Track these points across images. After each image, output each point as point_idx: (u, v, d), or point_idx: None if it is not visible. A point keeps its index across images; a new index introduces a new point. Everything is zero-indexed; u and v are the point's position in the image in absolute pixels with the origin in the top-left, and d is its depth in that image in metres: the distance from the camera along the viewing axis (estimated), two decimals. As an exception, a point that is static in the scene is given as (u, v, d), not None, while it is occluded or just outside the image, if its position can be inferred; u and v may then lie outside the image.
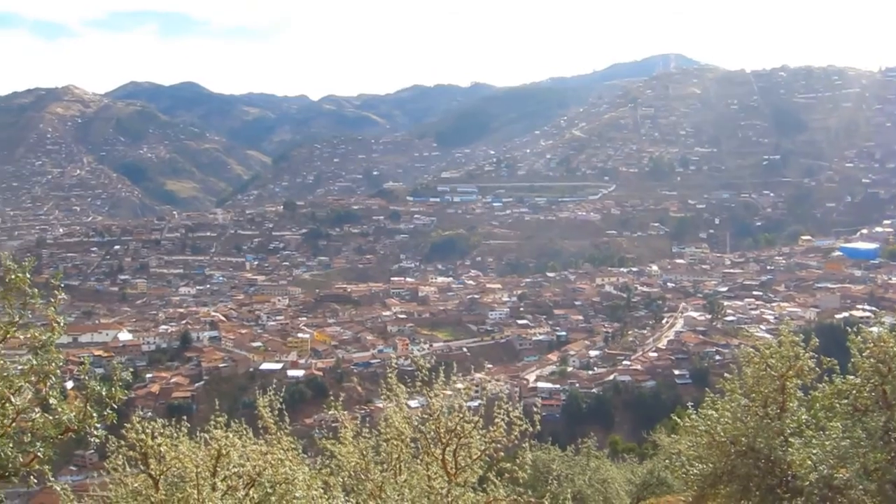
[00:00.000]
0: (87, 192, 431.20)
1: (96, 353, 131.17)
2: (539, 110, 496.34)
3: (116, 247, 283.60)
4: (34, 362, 7.79)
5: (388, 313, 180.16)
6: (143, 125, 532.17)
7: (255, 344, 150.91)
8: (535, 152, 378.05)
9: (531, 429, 14.08)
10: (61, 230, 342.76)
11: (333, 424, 16.26)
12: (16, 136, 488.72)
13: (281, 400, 14.76)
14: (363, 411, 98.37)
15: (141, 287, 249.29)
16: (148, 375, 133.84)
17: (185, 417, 15.47)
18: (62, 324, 8.03)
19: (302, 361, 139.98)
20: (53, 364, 7.79)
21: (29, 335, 8.02)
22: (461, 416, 14.13)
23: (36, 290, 7.93)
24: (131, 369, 8.20)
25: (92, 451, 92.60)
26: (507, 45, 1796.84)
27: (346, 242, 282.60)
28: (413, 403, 16.00)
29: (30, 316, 8.02)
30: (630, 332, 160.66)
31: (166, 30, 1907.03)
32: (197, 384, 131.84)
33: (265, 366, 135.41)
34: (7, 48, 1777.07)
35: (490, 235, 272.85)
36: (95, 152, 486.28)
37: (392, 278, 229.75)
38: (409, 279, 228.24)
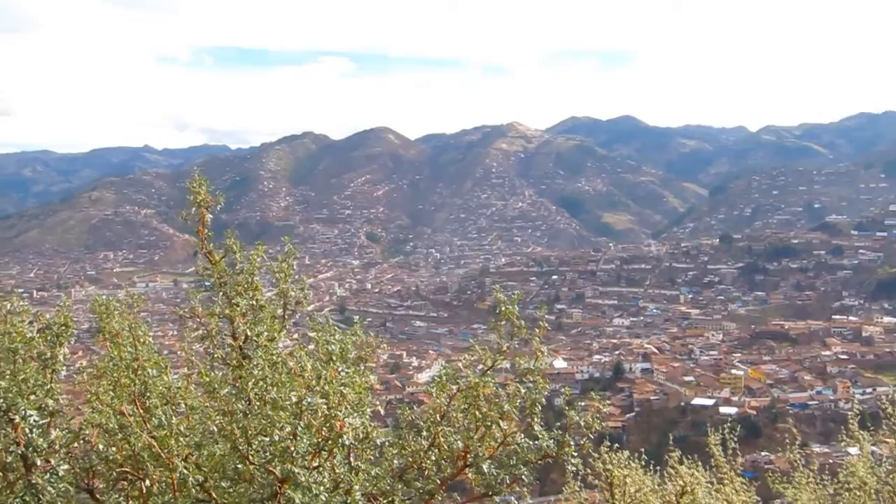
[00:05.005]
0: (527, 224, 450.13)
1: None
2: None
3: (554, 277, 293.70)
4: (522, 389, 8.47)
5: (827, 353, 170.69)
6: (582, 159, 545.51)
7: (687, 378, 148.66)
8: None
9: None
10: (503, 260, 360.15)
11: (766, 466, 15.96)
12: (464, 171, 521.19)
13: (735, 439, 14.70)
14: (799, 455, 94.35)
15: (576, 317, 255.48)
16: (581, 404, 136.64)
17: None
18: (545, 353, 8.68)
19: (735, 398, 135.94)
20: (538, 393, 8.44)
21: (516, 363, 8.76)
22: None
23: (523, 321, 8.63)
24: (602, 398, 8.64)
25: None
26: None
27: (783, 277, 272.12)
28: (853, 451, 15.27)
29: (516, 345, 8.74)
30: None
31: (605, 66, 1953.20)
32: (628, 415, 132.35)
33: (696, 401, 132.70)
34: (458, 88, 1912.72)
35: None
36: (536, 186, 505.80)
37: (833, 316, 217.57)
38: (851, 318, 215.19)
